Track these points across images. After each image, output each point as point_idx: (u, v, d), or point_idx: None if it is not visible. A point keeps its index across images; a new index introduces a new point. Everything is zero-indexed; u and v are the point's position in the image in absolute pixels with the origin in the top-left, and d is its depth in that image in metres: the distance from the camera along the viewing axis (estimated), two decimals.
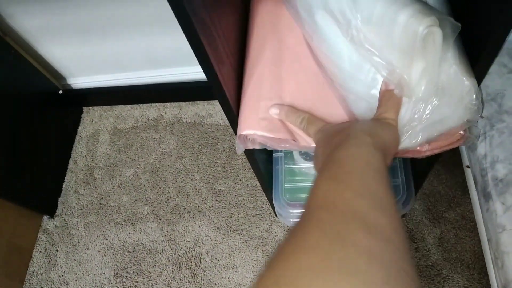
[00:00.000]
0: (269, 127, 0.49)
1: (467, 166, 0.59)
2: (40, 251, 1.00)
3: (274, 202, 0.77)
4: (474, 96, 0.40)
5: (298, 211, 0.75)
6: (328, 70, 0.47)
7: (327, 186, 0.29)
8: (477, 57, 0.40)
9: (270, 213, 0.94)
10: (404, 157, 0.49)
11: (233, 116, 0.52)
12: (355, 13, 0.39)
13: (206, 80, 1.17)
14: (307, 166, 0.78)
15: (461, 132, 0.44)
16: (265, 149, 0.79)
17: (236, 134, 0.53)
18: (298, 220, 0.27)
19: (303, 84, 0.51)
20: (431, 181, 0.89)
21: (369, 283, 0.21)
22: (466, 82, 0.39)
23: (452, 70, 0.39)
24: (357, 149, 0.33)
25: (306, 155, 0.79)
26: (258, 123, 0.50)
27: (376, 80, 0.41)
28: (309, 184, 0.77)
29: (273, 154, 0.80)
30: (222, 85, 0.45)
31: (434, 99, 0.40)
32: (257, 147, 0.53)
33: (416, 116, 0.41)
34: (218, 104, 1.21)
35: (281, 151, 0.79)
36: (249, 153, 0.66)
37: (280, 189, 0.77)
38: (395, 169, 0.72)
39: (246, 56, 0.55)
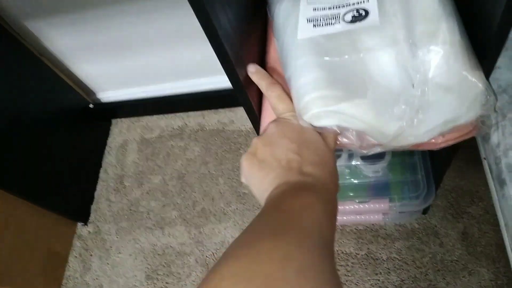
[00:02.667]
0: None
1: (484, 158, 0.60)
2: (76, 256, 1.06)
3: None
4: (486, 92, 0.41)
5: None
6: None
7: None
8: (484, 52, 0.42)
9: None
10: (419, 150, 0.51)
11: (255, 117, 0.55)
12: None
13: (228, 89, 1.23)
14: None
15: (474, 124, 0.46)
16: None
17: (258, 135, 0.57)
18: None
19: None
20: (453, 178, 0.90)
21: None
22: (475, 78, 0.41)
23: (460, 67, 0.41)
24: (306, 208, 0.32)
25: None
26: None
27: None
28: None
29: None
30: (244, 89, 0.49)
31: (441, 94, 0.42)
32: None
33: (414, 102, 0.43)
34: (240, 111, 1.26)
35: None
36: None
37: None
38: (415, 165, 0.74)
39: (266, 61, 0.59)
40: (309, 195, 0.34)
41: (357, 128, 0.48)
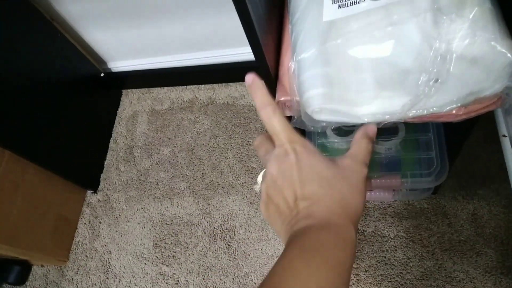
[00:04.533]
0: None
1: (504, 136, 0.59)
2: (85, 223, 1.08)
3: None
4: None
5: None
6: None
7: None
8: None
9: None
10: (439, 121, 0.50)
11: (271, 82, 0.55)
12: None
13: (239, 62, 1.21)
14: (339, 141, 0.80)
15: (499, 96, 0.45)
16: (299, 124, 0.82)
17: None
18: None
19: None
20: (465, 158, 0.89)
21: None
22: (504, 48, 0.40)
23: (488, 36, 0.40)
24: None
25: (338, 131, 0.81)
26: (296, 89, 0.52)
27: None
28: None
29: (306, 130, 0.82)
30: (263, 50, 0.48)
31: (466, 64, 0.41)
32: (294, 114, 0.55)
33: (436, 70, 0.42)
34: None
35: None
36: None
37: None
38: (429, 142, 0.73)
39: (283, 27, 0.58)
40: (313, 249, 0.30)
41: (357, 122, 0.48)
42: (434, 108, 0.46)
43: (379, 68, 0.45)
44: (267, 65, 0.51)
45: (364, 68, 0.45)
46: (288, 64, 0.54)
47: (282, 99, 0.53)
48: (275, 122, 0.34)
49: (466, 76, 0.43)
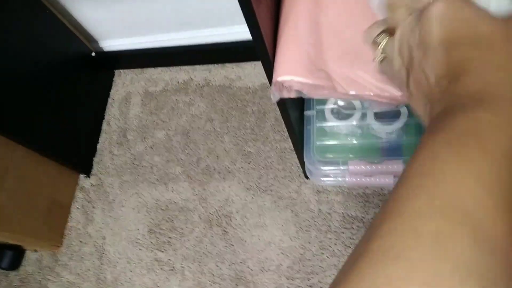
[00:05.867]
0: (306, 73, 0.48)
1: None
2: (78, 208, 1.05)
3: (305, 159, 0.76)
4: None
5: (328, 168, 0.75)
6: None
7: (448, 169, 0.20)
8: None
9: (300, 175, 0.94)
10: None
11: (268, 61, 0.51)
12: None
13: (236, 41, 1.16)
14: (338, 124, 0.77)
15: None
16: (298, 106, 0.79)
17: (271, 82, 0.53)
18: (392, 196, 0.20)
19: (343, 24, 0.49)
20: None
21: None
22: None
23: None
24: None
25: (337, 114, 0.78)
26: (295, 68, 0.49)
27: None
28: (339, 142, 0.77)
29: (305, 112, 0.79)
30: (259, 24, 0.44)
31: None
32: (292, 95, 0.52)
33: None
34: (248, 67, 1.20)
35: (313, 108, 0.78)
36: (282, 107, 0.66)
37: (311, 147, 0.76)
38: None
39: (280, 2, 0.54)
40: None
41: None
42: None
43: None
44: (264, 42, 0.48)
45: None
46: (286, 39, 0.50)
47: (280, 79, 0.50)
48: None
49: None
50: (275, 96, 0.53)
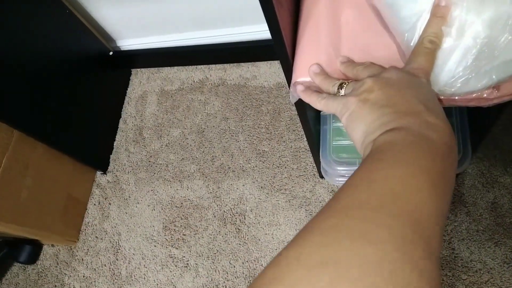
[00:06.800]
0: (325, 74, 0.48)
1: None
2: (94, 204, 1.07)
3: (321, 159, 0.76)
4: None
5: (344, 169, 0.75)
6: (383, 15, 0.45)
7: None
8: None
9: (314, 175, 0.94)
10: (467, 106, 0.47)
11: (288, 62, 0.51)
12: None
13: (251, 41, 1.16)
14: None
15: None
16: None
17: (290, 83, 0.53)
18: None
19: (360, 28, 0.49)
20: (487, 145, 0.85)
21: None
22: None
23: None
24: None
25: None
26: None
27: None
28: None
29: (321, 112, 0.79)
30: (280, 26, 0.44)
31: (507, 35, 0.37)
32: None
33: (484, 54, 0.38)
34: (263, 66, 1.21)
35: None
36: (300, 108, 0.66)
37: (327, 147, 0.76)
38: (451, 125, 0.69)
39: (301, 2, 0.54)
40: (428, 152, 0.29)
41: None
42: (468, 90, 0.42)
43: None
44: (283, 42, 0.48)
45: None
46: (304, 43, 0.50)
47: (300, 80, 0.50)
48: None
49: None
50: (293, 97, 0.53)
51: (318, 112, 0.80)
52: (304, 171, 0.96)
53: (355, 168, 0.71)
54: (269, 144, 1.01)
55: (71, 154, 1.01)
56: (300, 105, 0.66)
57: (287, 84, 0.63)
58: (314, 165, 0.94)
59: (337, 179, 0.85)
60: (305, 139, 0.78)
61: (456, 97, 0.46)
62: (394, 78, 0.36)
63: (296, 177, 0.95)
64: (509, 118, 0.85)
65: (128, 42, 1.15)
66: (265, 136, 1.02)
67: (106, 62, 1.15)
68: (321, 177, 0.93)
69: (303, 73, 0.50)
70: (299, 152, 0.98)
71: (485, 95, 0.45)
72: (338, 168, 0.74)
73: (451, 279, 0.77)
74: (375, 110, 0.34)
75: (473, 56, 0.38)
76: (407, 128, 0.30)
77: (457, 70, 0.39)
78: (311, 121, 0.73)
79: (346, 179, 0.83)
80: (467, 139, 0.67)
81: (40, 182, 0.93)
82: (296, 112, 0.70)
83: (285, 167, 0.97)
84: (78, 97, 1.03)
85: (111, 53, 1.15)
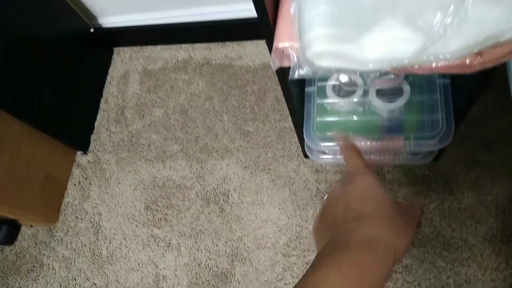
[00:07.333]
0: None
1: None
2: (74, 184, 1.05)
3: (304, 136, 0.75)
4: None
5: (327, 144, 0.74)
6: None
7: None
8: None
9: (299, 154, 0.93)
10: (450, 73, 0.46)
11: (269, 27, 0.50)
12: None
13: (236, 19, 1.14)
14: (339, 101, 0.75)
15: None
16: (298, 83, 0.77)
17: (271, 49, 0.51)
18: None
19: None
20: (470, 125, 0.85)
21: None
22: None
23: None
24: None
25: (339, 91, 0.76)
26: (296, 31, 0.47)
27: None
28: (340, 119, 0.76)
29: (306, 89, 0.78)
30: (265, 3, 0.43)
31: None
32: (292, 63, 0.51)
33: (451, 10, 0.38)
34: (249, 45, 1.18)
35: (314, 85, 0.77)
36: (283, 80, 0.65)
37: (311, 124, 0.75)
38: (435, 104, 0.69)
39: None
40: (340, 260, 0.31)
41: (361, 69, 0.44)
42: (448, 55, 0.42)
43: (388, 5, 0.40)
44: (268, 17, 0.46)
45: (369, 5, 0.41)
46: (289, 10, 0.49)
47: (280, 45, 0.49)
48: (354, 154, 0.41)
49: (485, 16, 0.39)
50: (275, 64, 0.51)
51: (302, 89, 0.79)
52: (289, 151, 0.95)
53: (337, 144, 0.69)
54: (254, 124, 1.00)
55: (50, 133, 0.98)
56: (283, 78, 0.65)
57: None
58: (299, 145, 0.93)
59: (321, 156, 0.84)
60: (290, 119, 0.77)
61: (439, 64, 0.45)
62: (337, 191, 0.40)
63: (281, 157, 0.94)
64: (492, 97, 0.85)
65: (111, 20, 1.12)
66: (249, 116, 1.01)
67: (88, 40, 1.12)
68: (306, 156, 0.92)
69: (284, 38, 0.49)
70: (284, 132, 0.97)
71: (467, 61, 0.44)
72: (322, 144, 0.73)
73: (432, 256, 0.77)
74: (321, 223, 0.40)
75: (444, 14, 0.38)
76: (332, 241, 0.35)
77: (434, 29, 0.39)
78: (295, 98, 0.72)
79: (329, 157, 0.84)
80: (450, 116, 0.67)
81: (16, 160, 0.90)
82: (281, 93, 0.69)
83: (270, 147, 0.96)
84: (57, 75, 1.00)
85: (92, 30, 1.11)
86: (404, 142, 0.67)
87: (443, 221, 0.79)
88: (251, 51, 1.08)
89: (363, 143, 0.69)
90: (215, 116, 1.03)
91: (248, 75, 1.06)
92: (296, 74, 0.47)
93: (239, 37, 1.07)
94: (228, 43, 1.10)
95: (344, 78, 0.76)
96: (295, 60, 0.47)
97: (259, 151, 0.96)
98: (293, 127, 0.94)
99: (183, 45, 1.13)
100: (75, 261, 0.96)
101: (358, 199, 0.36)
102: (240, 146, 0.98)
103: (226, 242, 0.89)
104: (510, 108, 0.84)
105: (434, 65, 0.45)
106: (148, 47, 1.16)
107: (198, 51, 1.11)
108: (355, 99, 0.74)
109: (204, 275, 0.87)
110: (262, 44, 1.07)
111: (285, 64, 0.51)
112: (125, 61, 1.16)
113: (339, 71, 0.46)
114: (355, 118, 0.74)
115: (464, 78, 0.64)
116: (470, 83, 0.60)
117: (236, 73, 1.06)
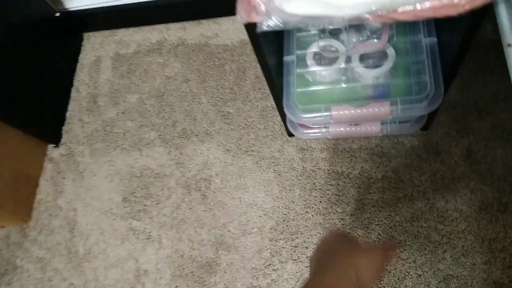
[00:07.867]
0: None
1: (509, 45, 0.50)
2: (47, 180, 0.98)
3: (285, 109, 0.70)
4: None
5: (310, 115, 0.68)
6: None
7: None
8: None
9: (282, 133, 0.88)
10: (437, 16, 0.41)
11: None
12: None
13: None
14: (321, 70, 0.70)
15: None
16: (275, 51, 0.72)
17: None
18: None
19: None
20: (460, 91, 0.81)
21: None
22: None
23: None
24: None
25: (320, 60, 0.71)
26: None
27: None
28: (322, 88, 0.71)
29: (284, 58, 0.73)
30: None
31: None
32: (262, 17, 0.45)
33: None
34: (225, 23, 1.12)
35: (292, 53, 0.72)
36: (257, 48, 0.60)
37: (291, 96, 0.70)
38: (422, 65, 0.64)
39: None
40: None
41: (336, 14, 0.39)
42: None
43: None
44: None
45: None
46: None
47: None
48: None
49: None
50: (242, 18, 0.46)
51: (280, 59, 0.74)
52: (272, 131, 0.89)
53: (320, 115, 0.68)
54: (234, 105, 0.94)
55: (17, 127, 0.91)
56: (257, 46, 0.59)
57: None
58: (282, 124, 0.88)
59: (304, 131, 0.79)
60: (272, 98, 0.72)
61: (424, 5, 0.40)
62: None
63: (264, 137, 0.89)
64: (480, 59, 0.81)
65: (77, 2, 1.05)
66: (229, 96, 0.95)
67: (53, 25, 1.05)
68: (290, 135, 0.87)
69: None
70: (266, 111, 0.92)
71: (455, 1, 0.39)
72: (304, 115, 0.68)
73: (426, 231, 0.73)
74: None
75: None
76: None
77: None
78: (274, 71, 0.67)
79: (314, 131, 0.78)
80: (439, 76, 0.63)
81: None
82: (262, 71, 0.64)
83: (252, 128, 0.91)
84: (23, 65, 0.93)
85: (58, 14, 1.04)
86: (391, 108, 0.63)
87: (436, 192, 0.75)
88: (227, 28, 1.02)
89: (347, 112, 0.64)
90: (193, 98, 0.97)
91: (225, 53, 1.00)
92: (265, 25, 0.42)
93: (214, 14, 1.02)
94: (203, 21, 1.04)
95: (322, 41, 0.70)
96: (263, 10, 0.41)
97: (240, 133, 0.91)
98: (275, 106, 0.89)
99: (156, 26, 1.07)
100: (50, 261, 0.90)
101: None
102: (221, 128, 0.93)
103: (209, 230, 0.83)
104: (501, 70, 0.80)
105: (418, 6, 0.40)
106: (120, 31, 1.09)
107: (172, 32, 1.05)
108: (338, 67, 0.69)
109: (187, 266, 0.82)
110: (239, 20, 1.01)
111: (254, 18, 0.45)
112: (95, 46, 1.10)
113: (312, 20, 0.41)
114: (338, 86, 0.69)
115: (451, 33, 0.59)
116: (457, 38, 0.55)
117: (213, 52, 1.01)
